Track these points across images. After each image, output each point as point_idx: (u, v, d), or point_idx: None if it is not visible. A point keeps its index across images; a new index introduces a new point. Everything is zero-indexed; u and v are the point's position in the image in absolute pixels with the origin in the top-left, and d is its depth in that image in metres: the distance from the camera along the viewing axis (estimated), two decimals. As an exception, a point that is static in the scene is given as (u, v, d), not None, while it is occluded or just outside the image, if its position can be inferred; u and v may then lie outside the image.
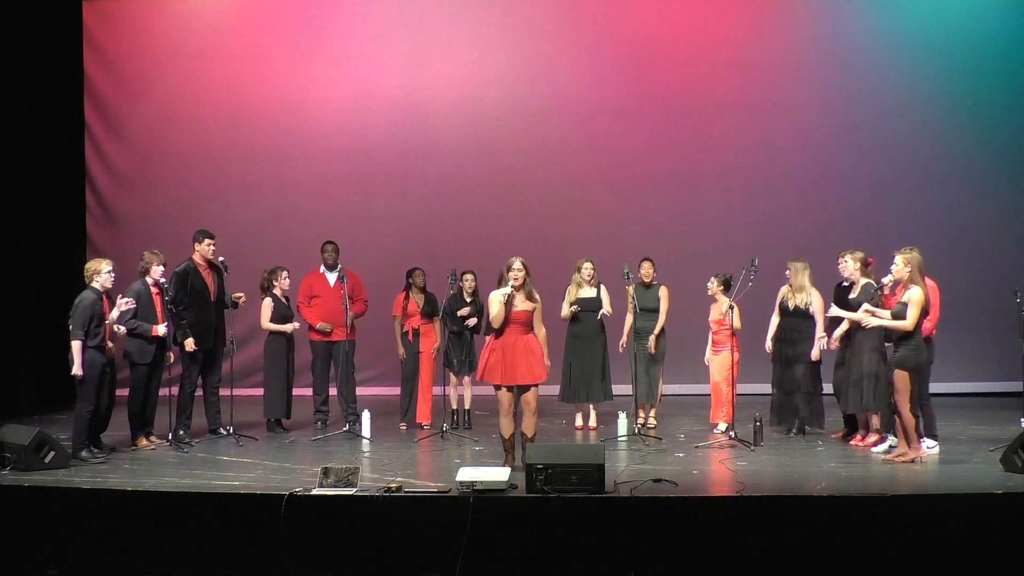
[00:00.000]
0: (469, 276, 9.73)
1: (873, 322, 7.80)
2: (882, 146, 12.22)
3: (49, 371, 11.08)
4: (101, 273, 8.15)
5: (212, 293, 9.10)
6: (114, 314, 8.22)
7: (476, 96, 12.45)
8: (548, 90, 12.39)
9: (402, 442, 9.00)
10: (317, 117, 12.52)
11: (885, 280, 7.89)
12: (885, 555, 6.26)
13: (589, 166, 12.37)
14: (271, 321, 9.55)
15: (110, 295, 8.35)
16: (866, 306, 7.89)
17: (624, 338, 9.57)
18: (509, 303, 7.44)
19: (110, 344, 8.30)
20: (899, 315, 7.57)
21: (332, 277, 9.78)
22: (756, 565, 6.26)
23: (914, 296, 7.50)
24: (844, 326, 8.50)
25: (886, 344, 8.05)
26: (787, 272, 9.09)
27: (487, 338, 7.70)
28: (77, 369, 7.92)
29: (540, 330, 7.61)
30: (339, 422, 9.57)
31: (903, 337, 7.55)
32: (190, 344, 8.82)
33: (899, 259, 7.63)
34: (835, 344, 8.66)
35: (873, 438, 8.43)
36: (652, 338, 9.49)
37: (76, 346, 7.94)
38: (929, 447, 7.96)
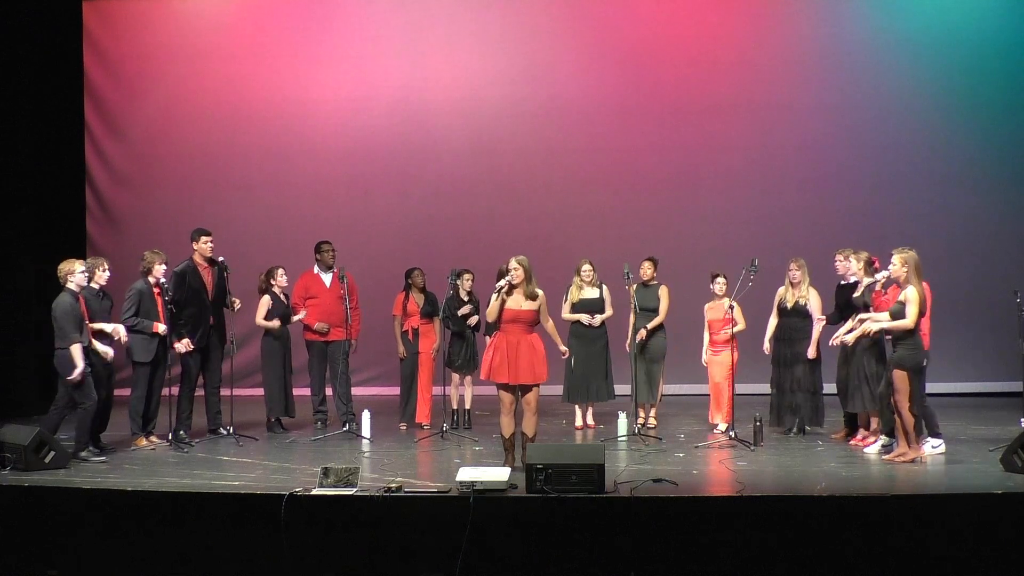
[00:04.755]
0: (467, 275, 9.74)
1: (875, 327, 7.83)
2: (882, 146, 12.22)
3: (49, 371, 11.04)
4: (75, 273, 8.09)
5: (210, 292, 9.10)
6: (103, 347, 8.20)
7: (476, 96, 12.45)
8: (548, 90, 12.40)
9: (402, 442, 9.00)
10: (317, 117, 12.53)
11: (879, 276, 7.92)
12: (885, 555, 6.26)
13: (589, 166, 12.38)
14: (266, 319, 9.53)
15: (104, 293, 8.34)
16: (862, 316, 7.99)
17: (629, 340, 9.56)
18: (506, 294, 7.42)
19: (107, 344, 8.29)
20: (898, 314, 7.59)
21: (327, 278, 9.78)
22: (756, 565, 6.26)
23: (911, 295, 7.52)
24: (854, 331, 8.39)
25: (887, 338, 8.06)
26: (791, 271, 9.07)
27: (487, 338, 7.69)
28: (78, 374, 7.86)
29: (548, 323, 7.61)
30: (338, 422, 9.57)
31: (902, 337, 7.56)
32: (182, 346, 8.80)
33: (896, 258, 7.65)
34: (837, 341, 8.62)
35: (873, 438, 8.43)
36: (643, 331, 9.36)
37: (77, 350, 7.85)
38: (934, 446, 7.95)
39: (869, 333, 7.97)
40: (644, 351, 9.48)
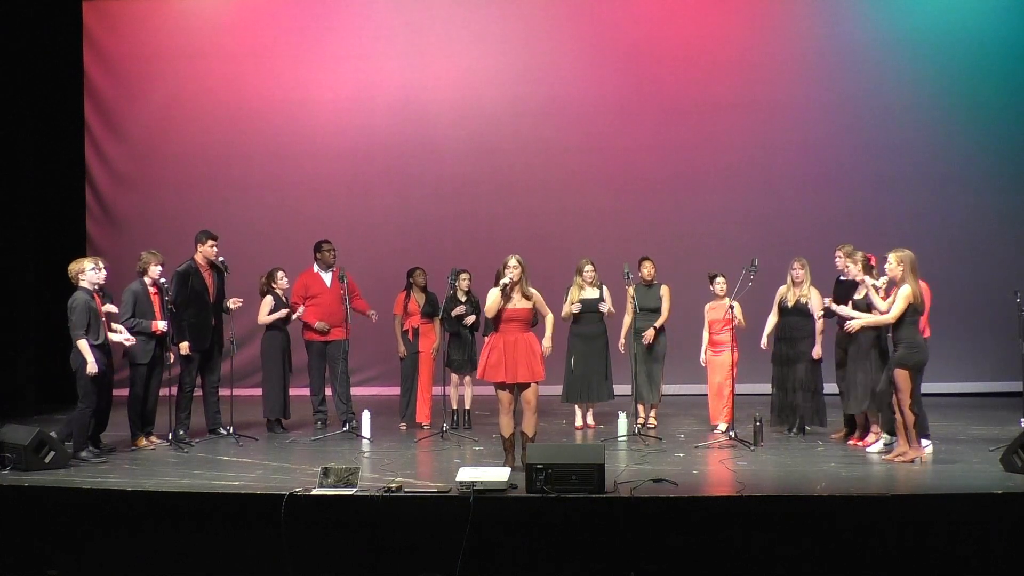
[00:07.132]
0: (464, 275, 9.73)
1: (856, 324, 7.92)
2: (882, 146, 12.21)
3: (49, 371, 11.09)
4: (86, 271, 8.12)
5: (211, 294, 9.09)
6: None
7: (476, 96, 12.46)
8: (548, 90, 12.40)
9: (402, 442, 9.00)
10: (317, 117, 12.53)
11: (879, 283, 7.92)
12: (885, 555, 6.26)
13: (589, 166, 12.38)
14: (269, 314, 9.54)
15: (104, 291, 8.35)
16: (849, 312, 8.07)
17: (623, 339, 9.59)
18: (506, 294, 7.43)
19: (112, 339, 8.30)
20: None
21: (327, 277, 9.77)
22: (756, 565, 6.26)
23: (902, 292, 7.54)
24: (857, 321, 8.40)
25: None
26: (793, 269, 9.05)
27: (486, 338, 7.70)
28: (92, 367, 7.92)
29: (548, 315, 7.63)
30: (338, 422, 9.57)
31: (902, 336, 7.56)
32: (185, 348, 8.82)
33: (892, 258, 7.68)
34: (848, 328, 8.55)
35: (872, 438, 8.43)
36: (650, 331, 9.44)
37: (83, 345, 7.92)
38: (923, 446, 7.95)
39: (849, 329, 8.14)
40: (647, 350, 9.48)
